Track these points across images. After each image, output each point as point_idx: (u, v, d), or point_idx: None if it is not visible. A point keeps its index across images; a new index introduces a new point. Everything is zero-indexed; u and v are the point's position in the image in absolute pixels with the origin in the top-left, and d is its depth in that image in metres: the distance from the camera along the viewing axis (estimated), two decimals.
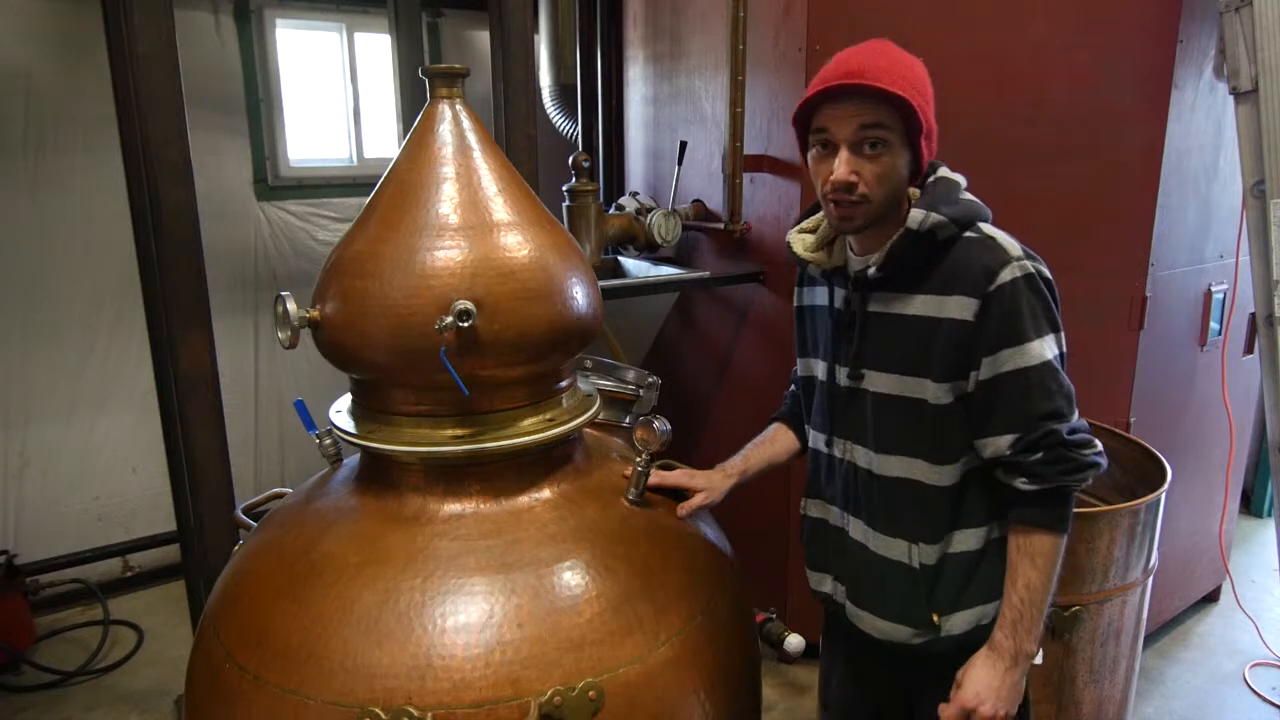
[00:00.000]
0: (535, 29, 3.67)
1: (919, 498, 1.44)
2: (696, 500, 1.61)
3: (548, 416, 1.47)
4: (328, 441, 1.61)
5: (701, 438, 3.49)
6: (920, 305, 1.40)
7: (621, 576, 1.36)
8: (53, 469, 3.53)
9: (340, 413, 1.51)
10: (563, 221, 3.16)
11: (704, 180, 3.28)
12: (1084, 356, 2.72)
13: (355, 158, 4.10)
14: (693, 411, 3.50)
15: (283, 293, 1.41)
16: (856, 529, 1.55)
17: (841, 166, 1.34)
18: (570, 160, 3.17)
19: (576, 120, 3.98)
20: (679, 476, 1.64)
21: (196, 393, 2.17)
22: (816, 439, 1.63)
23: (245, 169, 3.76)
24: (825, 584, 1.64)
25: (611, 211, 3.40)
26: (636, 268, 3.52)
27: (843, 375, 1.52)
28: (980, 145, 2.65)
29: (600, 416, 1.71)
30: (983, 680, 1.38)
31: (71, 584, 3.52)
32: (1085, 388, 2.70)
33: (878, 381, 1.46)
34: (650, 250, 3.35)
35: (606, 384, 1.88)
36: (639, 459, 1.51)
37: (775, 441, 1.78)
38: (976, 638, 1.44)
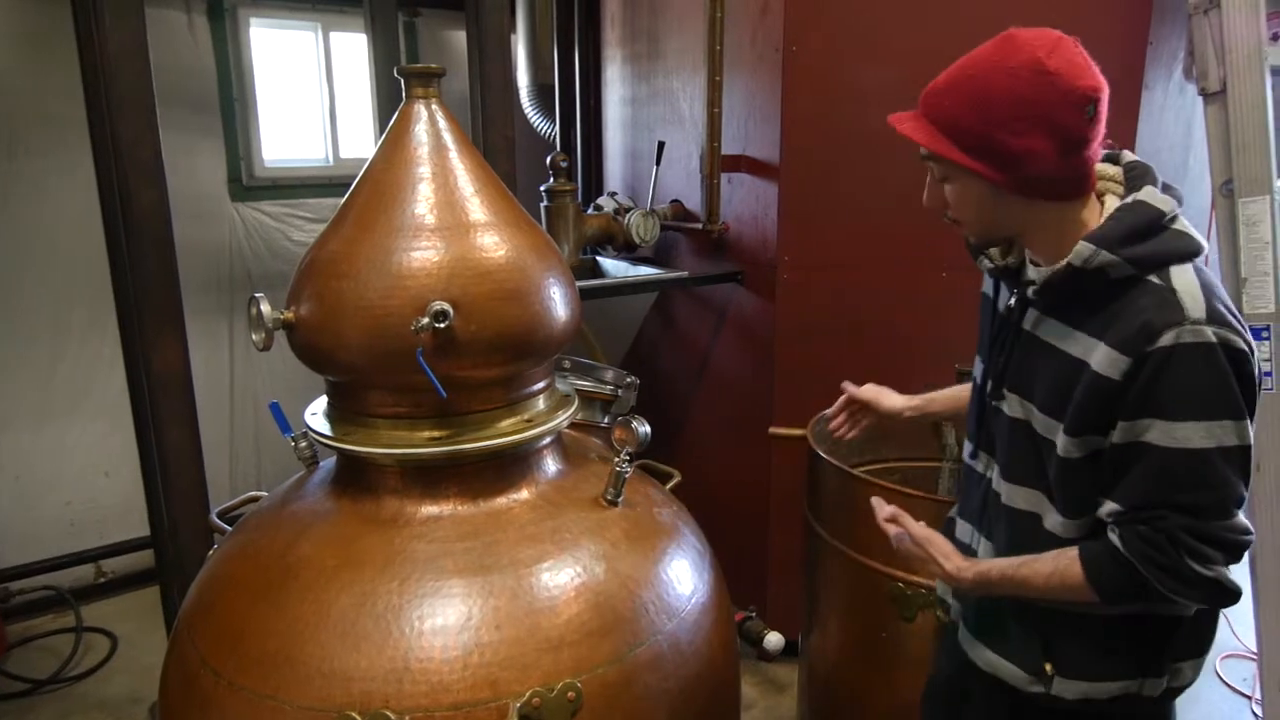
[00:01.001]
0: (513, 29, 3.66)
1: (1039, 539, 1.30)
2: (864, 391, 1.71)
3: (525, 417, 1.47)
4: (303, 444, 1.60)
5: (680, 438, 3.50)
6: (1072, 343, 1.23)
7: (600, 577, 1.36)
8: (25, 474, 3.47)
9: (316, 415, 1.50)
10: (541, 222, 3.15)
11: (682, 180, 3.28)
12: None
13: (331, 158, 4.07)
14: (672, 411, 3.50)
15: (257, 294, 1.40)
16: (984, 551, 1.42)
17: (925, 190, 1.31)
18: (548, 160, 3.17)
19: (555, 120, 3.98)
20: (866, 389, 1.74)
21: (169, 395, 2.14)
22: (967, 445, 1.51)
23: (220, 169, 3.72)
24: (950, 595, 1.52)
25: (590, 212, 3.40)
26: (615, 268, 3.52)
27: (989, 387, 1.40)
28: None
29: (579, 417, 1.70)
30: (935, 559, 1.35)
31: (43, 591, 3.46)
32: None
33: (1015, 407, 1.33)
34: (629, 250, 3.35)
35: (585, 384, 1.88)
36: (617, 459, 1.51)
37: (968, 389, 1.65)
38: (1093, 711, 1.31)
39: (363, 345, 1.33)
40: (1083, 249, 1.19)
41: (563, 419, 1.51)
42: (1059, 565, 1.24)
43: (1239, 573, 1.23)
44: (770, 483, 2.95)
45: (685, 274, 3.15)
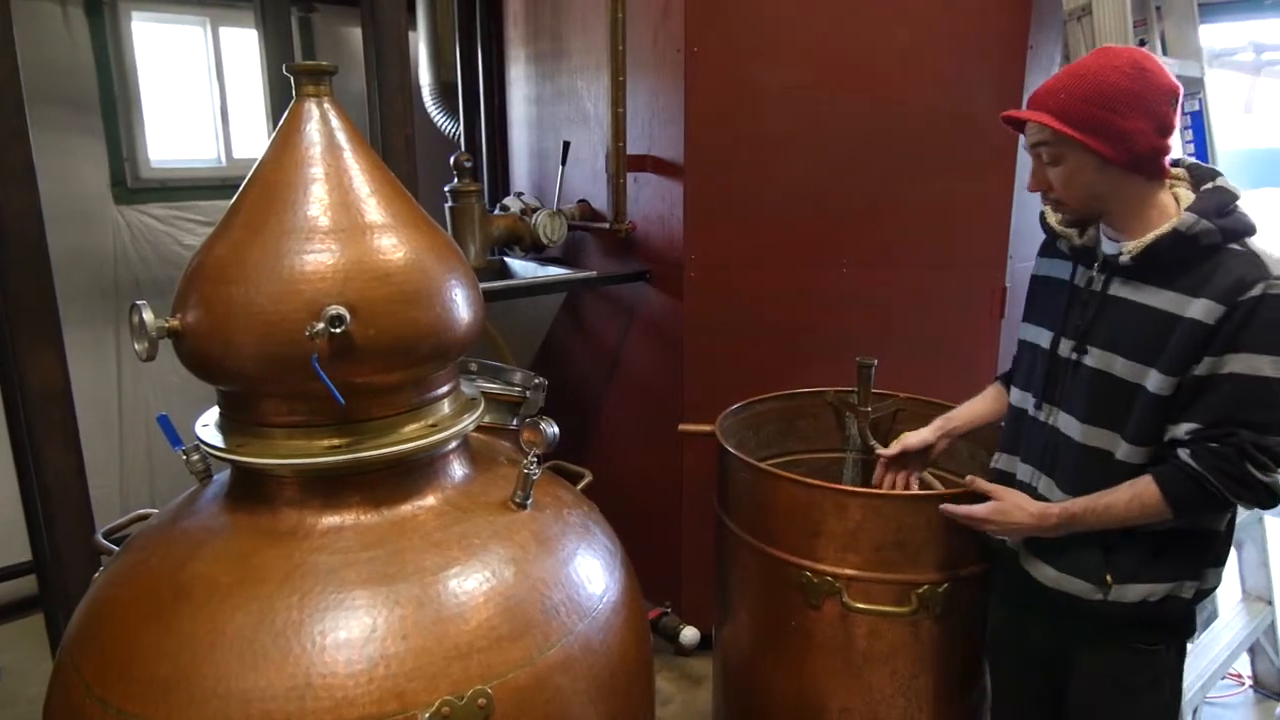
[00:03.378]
0: (412, 25, 3.59)
1: (1109, 470, 1.54)
2: (893, 449, 1.98)
3: (430, 422, 1.44)
4: (195, 458, 1.53)
5: (591, 438, 3.50)
6: (1163, 299, 1.48)
7: (509, 581, 1.34)
8: None
9: (207, 426, 1.44)
10: (445, 223, 3.10)
11: (589, 180, 3.28)
12: (952, 344, 2.86)
13: (224, 158, 3.91)
14: (583, 411, 3.50)
15: (138, 301, 1.33)
16: (1045, 487, 1.67)
17: (1029, 177, 1.59)
18: (452, 160, 3.12)
19: (458, 119, 3.92)
20: (892, 448, 2.01)
21: (47, 411, 2.02)
22: (1024, 399, 1.75)
23: (101, 171, 3.52)
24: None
25: (496, 212, 3.37)
26: (523, 268, 3.49)
27: (1066, 347, 1.63)
28: (854, 144, 2.75)
29: (487, 419, 1.68)
30: (1014, 514, 1.62)
31: None
32: (952, 373, 2.82)
33: (1100, 359, 1.57)
34: (537, 251, 3.33)
35: (493, 387, 1.85)
36: (525, 461, 1.49)
37: (985, 398, 1.97)
38: (1143, 611, 1.55)
39: (254, 353, 1.28)
40: (1188, 218, 1.46)
41: (468, 423, 1.48)
42: (1136, 490, 1.49)
43: None
44: (682, 479, 2.98)
45: (593, 274, 3.16)
